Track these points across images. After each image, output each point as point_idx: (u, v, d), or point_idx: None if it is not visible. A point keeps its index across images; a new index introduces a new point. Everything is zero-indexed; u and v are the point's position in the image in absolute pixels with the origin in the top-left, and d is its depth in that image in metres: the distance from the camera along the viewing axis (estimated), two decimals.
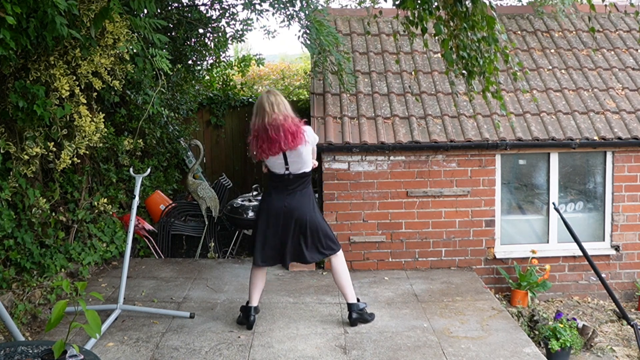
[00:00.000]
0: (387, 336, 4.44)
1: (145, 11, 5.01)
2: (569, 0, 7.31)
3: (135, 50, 5.15)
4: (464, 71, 4.78)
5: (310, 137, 4.29)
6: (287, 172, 4.31)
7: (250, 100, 9.04)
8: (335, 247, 4.56)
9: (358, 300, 4.68)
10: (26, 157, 4.76)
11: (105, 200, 5.80)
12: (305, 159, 4.31)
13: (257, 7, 6.53)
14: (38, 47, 4.43)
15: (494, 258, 6.22)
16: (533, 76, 6.80)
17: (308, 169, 4.38)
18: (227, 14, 7.30)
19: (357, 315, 4.58)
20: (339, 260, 4.56)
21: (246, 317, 4.54)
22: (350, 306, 4.59)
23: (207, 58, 7.93)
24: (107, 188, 6.34)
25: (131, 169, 5.46)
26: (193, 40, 7.31)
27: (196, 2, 7.22)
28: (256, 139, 4.24)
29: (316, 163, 4.58)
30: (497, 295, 6.04)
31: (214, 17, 7.27)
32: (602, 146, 6.16)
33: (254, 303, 4.56)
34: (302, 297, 5.26)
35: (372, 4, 8.10)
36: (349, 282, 4.57)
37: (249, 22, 7.40)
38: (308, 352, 4.17)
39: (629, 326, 5.64)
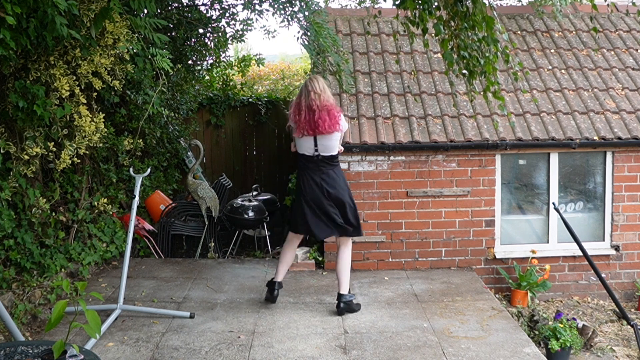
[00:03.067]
0: (387, 336, 4.44)
1: (145, 11, 5.00)
2: (565, 0, 7.31)
3: (135, 50, 5.15)
4: (464, 71, 4.78)
5: (343, 125, 4.69)
6: (316, 153, 4.65)
7: (250, 100, 9.04)
8: (359, 231, 4.86)
9: (349, 291, 4.91)
10: (26, 157, 4.76)
11: (105, 200, 5.80)
12: (333, 144, 4.66)
13: (257, 7, 6.53)
14: (38, 47, 4.43)
15: (494, 258, 6.22)
16: (533, 76, 6.80)
17: (334, 152, 4.71)
18: (227, 14, 7.29)
19: (344, 305, 4.80)
20: (348, 250, 4.86)
21: (270, 292, 4.92)
22: (339, 296, 4.81)
23: (207, 58, 7.92)
24: (107, 188, 6.33)
25: (131, 169, 5.46)
26: (193, 40, 7.31)
27: (196, 2, 7.21)
28: (297, 114, 4.62)
29: (342, 148, 4.93)
30: (497, 295, 6.04)
31: (214, 17, 7.26)
32: (602, 146, 6.16)
33: (278, 278, 4.91)
34: (302, 297, 5.26)
35: (372, 4, 8.09)
36: (348, 273, 4.84)
37: (249, 22, 7.39)
38: (308, 352, 4.17)
39: (629, 326, 5.64)
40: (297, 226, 4.90)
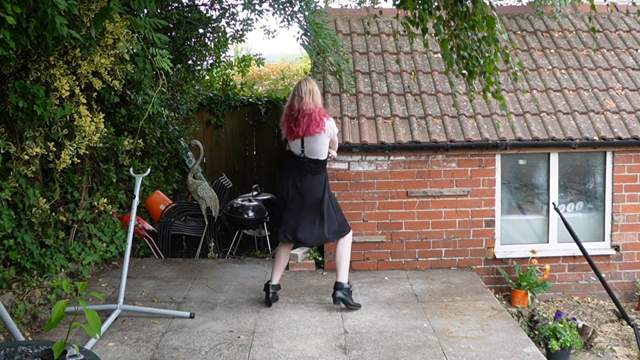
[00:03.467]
0: (387, 336, 4.44)
1: (145, 11, 5.00)
2: (564, 0, 7.31)
3: (135, 50, 5.15)
4: (464, 71, 4.79)
5: (329, 128, 4.69)
6: (302, 154, 4.70)
7: (250, 100, 9.03)
8: (346, 230, 4.94)
9: (348, 283, 4.96)
10: (26, 157, 4.76)
11: (105, 200, 5.80)
12: (320, 147, 4.69)
13: (257, 7, 6.53)
14: (38, 47, 4.43)
15: (494, 258, 6.22)
16: (533, 76, 6.80)
17: (322, 157, 4.76)
18: (227, 14, 7.29)
19: (341, 295, 4.85)
20: (346, 241, 4.93)
21: (265, 296, 4.97)
22: (337, 284, 4.87)
23: (207, 58, 7.92)
24: (107, 188, 6.33)
25: (131, 169, 5.46)
26: (193, 40, 7.31)
27: (196, 2, 7.22)
28: (287, 118, 4.70)
29: (335, 155, 5.01)
30: (497, 295, 6.04)
31: (214, 17, 7.27)
32: (602, 146, 6.16)
33: (273, 281, 4.96)
34: (302, 297, 5.26)
35: (372, 4, 8.09)
36: (347, 263, 4.92)
37: (249, 22, 7.39)
38: (308, 352, 4.17)
39: (629, 326, 5.64)
40: (278, 223, 4.99)
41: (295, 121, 4.64)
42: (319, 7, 6.30)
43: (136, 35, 4.98)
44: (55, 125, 4.89)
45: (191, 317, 4.71)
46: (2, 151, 4.64)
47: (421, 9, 4.40)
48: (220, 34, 7.47)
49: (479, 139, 5.98)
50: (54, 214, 5.34)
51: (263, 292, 5.09)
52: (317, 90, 4.72)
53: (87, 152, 5.43)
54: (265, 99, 9.06)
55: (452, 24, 4.50)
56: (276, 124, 8.97)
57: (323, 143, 4.70)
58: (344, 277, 4.88)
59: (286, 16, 6.20)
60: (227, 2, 7.27)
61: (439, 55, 6.66)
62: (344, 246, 4.93)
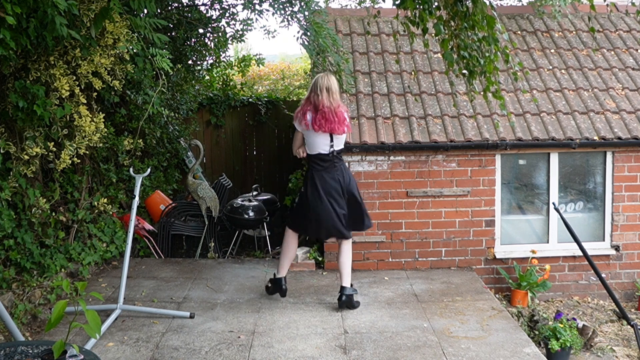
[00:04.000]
0: (387, 336, 4.44)
1: (145, 11, 5.00)
2: (564, 0, 7.31)
3: (135, 50, 5.15)
4: (464, 71, 4.79)
5: (348, 122, 4.92)
6: (331, 149, 4.82)
7: (250, 100, 9.03)
8: (370, 220, 5.12)
9: (351, 285, 5.00)
10: (26, 157, 4.76)
11: (105, 200, 5.80)
12: (343, 140, 4.93)
13: (257, 7, 6.53)
14: (38, 47, 4.43)
15: (494, 258, 6.22)
16: (533, 76, 6.80)
17: (343, 146, 4.97)
18: (227, 14, 7.29)
19: (345, 299, 4.90)
20: (349, 245, 5.02)
21: (279, 288, 5.05)
22: (342, 289, 4.91)
23: (207, 58, 7.92)
24: (107, 188, 6.33)
25: (131, 169, 5.46)
26: (193, 40, 7.31)
27: (196, 2, 7.21)
28: (314, 111, 4.75)
29: None
30: (497, 295, 6.04)
31: (214, 17, 7.26)
32: (602, 146, 6.16)
33: (283, 273, 5.05)
34: (302, 297, 5.26)
35: (372, 4, 8.09)
36: (350, 267, 4.98)
37: (249, 22, 7.39)
38: (308, 352, 4.17)
39: (629, 326, 5.64)
40: (302, 228, 5.04)
41: (325, 118, 4.71)
42: (319, 7, 6.30)
43: (136, 35, 4.98)
44: (55, 125, 4.89)
45: (191, 317, 4.71)
46: (2, 151, 4.64)
47: (421, 9, 4.40)
48: (220, 34, 7.46)
49: (479, 139, 5.98)
50: (54, 214, 5.34)
51: (269, 286, 5.14)
52: (338, 88, 4.89)
53: (87, 152, 5.44)
54: (265, 99, 9.06)
55: (452, 23, 4.50)
56: (276, 124, 8.98)
57: (344, 136, 4.94)
58: (347, 281, 4.93)
59: (286, 16, 6.20)
60: (227, 2, 7.27)
61: (439, 55, 6.66)
62: (349, 249, 4.99)
